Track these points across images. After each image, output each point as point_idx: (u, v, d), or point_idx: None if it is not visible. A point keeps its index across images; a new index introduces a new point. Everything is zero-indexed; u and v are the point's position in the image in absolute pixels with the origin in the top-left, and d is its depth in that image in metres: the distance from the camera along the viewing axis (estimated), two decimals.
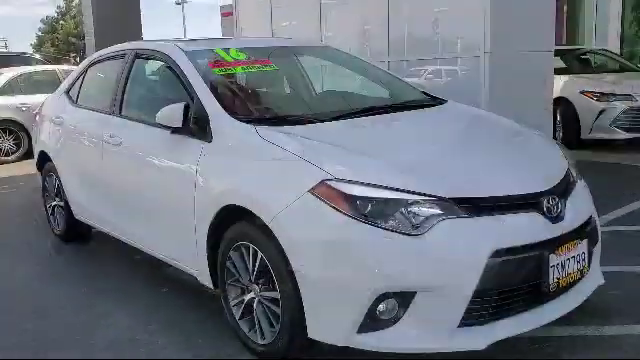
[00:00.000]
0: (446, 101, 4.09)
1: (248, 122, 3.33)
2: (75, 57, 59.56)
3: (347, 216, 2.65)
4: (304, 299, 2.76)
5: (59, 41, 62.51)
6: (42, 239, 5.53)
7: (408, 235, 2.60)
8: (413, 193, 2.68)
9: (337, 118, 3.50)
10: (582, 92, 8.84)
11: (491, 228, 2.68)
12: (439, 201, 2.67)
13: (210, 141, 3.36)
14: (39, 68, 11.65)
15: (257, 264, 3.02)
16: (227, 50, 4.09)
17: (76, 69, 5.29)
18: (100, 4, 17.67)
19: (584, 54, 10.90)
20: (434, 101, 4.10)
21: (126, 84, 4.30)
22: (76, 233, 5.32)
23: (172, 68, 3.92)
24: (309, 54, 4.60)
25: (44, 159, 5.44)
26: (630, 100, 8.60)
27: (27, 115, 10.54)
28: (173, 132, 3.52)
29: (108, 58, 4.89)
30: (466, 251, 2.61)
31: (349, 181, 2.72)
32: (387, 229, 2.61)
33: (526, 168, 3.11)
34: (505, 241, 2.65)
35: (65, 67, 12.41)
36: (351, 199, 2.67)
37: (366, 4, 7.67)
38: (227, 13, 44.79)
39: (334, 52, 4.69)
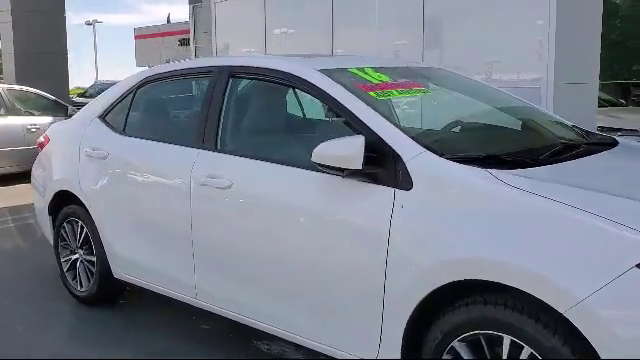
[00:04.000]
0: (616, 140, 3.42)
1: (463, 162, 2.50)
2: None
3: None
4: None
5: None
6: (55, 302, 4.35)
7: None
8: None
9: (550, 158, 2.73)
10: None
11: None
12: None
13: (409, 188, 2.50)
14: None
15: None
16: (362, 70, 3.26)
17: (114, 89, 4.22)
18: (20, 27, 16.24)
19: None
20: (602, 138, 3.45)
21: (221, 110, 3.34)
22: (108, 295, 4.24)
23: (306, 91, 3.05)
24: (434, 77, 3.78)
25: (62, 201, 4.34)
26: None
27: None
28: (346, 176, 2.63)
29: (173, 76, 3.87)
30: None
31: None
32: None
33: None
34: None
35: (11, 86, 10.84)
36: None
37: (395, 27, 7.03)
38: (140, 36, 43.24)
39: (453, 75, 3.91)
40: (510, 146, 2.96)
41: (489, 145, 2.92)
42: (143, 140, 3.78)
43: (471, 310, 2.31)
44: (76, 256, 4.32)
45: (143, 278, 3.80)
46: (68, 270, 4.39)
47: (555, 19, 5.75)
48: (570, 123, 3.65)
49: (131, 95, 4.03)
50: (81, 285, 4.28)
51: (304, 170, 2.84)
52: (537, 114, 3.70)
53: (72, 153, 4.20)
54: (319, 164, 2.66)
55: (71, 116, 10.11)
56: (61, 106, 10.55)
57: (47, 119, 9.96)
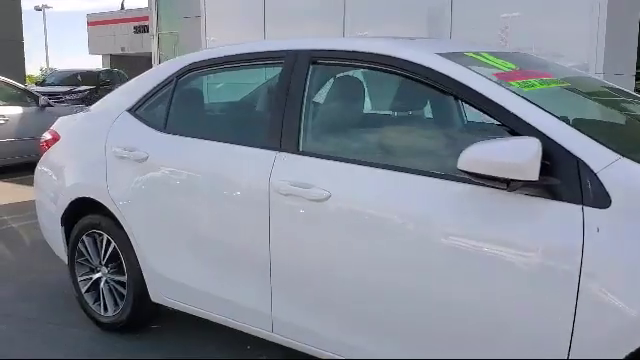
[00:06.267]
0: None
1: None
2: None
3: None
4: None
5: None
6: (70, 327, 3.68)
7: None
8: None
9: None
10: None
11: None
12: None
13: (605, 206, 1.96)
14: None
15: None
16: (480, 54, 2.70)
17: (145, 78, 3.55)
18: None
19: None
20: None
21: (302, 104, 2.73)
22: (141, 321, 3.59)
23: (426, 83, 2.48)
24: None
25: (80, 210, 3.66)
26: None
27: None
28: (513, 189, 2.07)
29: (227, 63, 3.21)
30: None
31: None
32: None
33: None
34: None
35: None
36: None
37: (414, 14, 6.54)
38: (94, 23, 41.46)
39: (551, 63, 3.38)
40: None
41: None
42: (194, 139, 3.13)
43: None
44: (99, 275, 3.65)
45: (194, 304, 3.17)
46: (87, 291, 3.71)
47: (606, 11, 5.48)
48: None
49: (171, 85, 3.36)
50: (106, 309, 3.61)
51: (437, 179, 2.27)
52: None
53: (95, 153, 3.51)
54: (471, 173, 2.10)
55: (44, 107, 9.38)
56: (31, 96, 9.66)
57: (16, 109, 9.15)
